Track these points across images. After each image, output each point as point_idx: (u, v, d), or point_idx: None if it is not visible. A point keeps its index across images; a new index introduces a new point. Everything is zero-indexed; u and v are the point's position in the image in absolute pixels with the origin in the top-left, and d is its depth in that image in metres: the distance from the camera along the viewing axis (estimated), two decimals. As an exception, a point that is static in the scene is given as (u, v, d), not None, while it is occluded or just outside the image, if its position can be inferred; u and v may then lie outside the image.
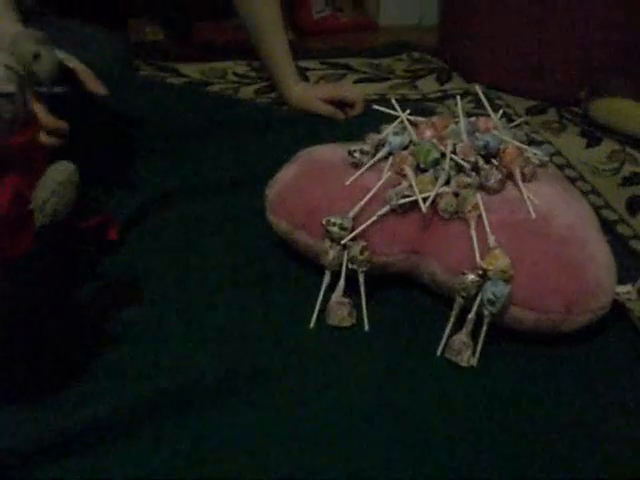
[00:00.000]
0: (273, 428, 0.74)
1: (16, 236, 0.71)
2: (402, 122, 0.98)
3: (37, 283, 0.72)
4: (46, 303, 0.73)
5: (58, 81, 0.96)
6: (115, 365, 0.81)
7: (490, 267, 0.81)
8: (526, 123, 1.46)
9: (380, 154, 0.94)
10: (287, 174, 0.99)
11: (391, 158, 0.93)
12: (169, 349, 0.84)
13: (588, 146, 1.40)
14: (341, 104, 1.42)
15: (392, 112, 0.99)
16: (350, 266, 0.88)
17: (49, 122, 0.97)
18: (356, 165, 0.94)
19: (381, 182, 0.90)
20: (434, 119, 0.97)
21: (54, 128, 0.97)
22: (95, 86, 1.00)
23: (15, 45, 0.91)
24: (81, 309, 0.82)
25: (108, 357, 0.82)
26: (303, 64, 1.74)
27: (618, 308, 0.89)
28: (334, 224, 0.87)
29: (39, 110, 0.96)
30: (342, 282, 0.89)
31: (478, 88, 1.07)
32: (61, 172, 0.73)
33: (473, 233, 0.85)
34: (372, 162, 0.93)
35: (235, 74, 1.69)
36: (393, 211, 0.89)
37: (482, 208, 0.86)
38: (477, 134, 0.93)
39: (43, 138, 0.97)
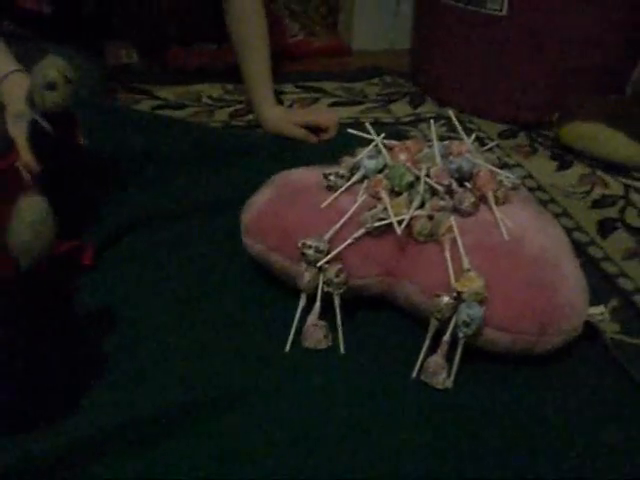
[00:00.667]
0: (247, 450, 0.74)
1: None
2: (377, 146, 0.99)
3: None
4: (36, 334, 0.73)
5: (52, 118, 0.97)
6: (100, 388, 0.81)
7: (464, 289, 0.82)
8: (498, 146, 1.47)
9: (355, 177, 0.95)
10: (262, 197, 0.99)
11: (366, 181, 0.94)
12: (144, 371, 0.83)
13: (559, 169, 1.42)
14: (315, 128, 1.43)
15: (367, 136, 1.00)
16: (326, 289, 0.88)
17: (24, 155, 0.97)
18: (331, 188, 0.94)
19: (356, 205, 0.91)
20: (408, 143, 0.98)
21: (25, 163, 0.97)
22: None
23: (38, 66, 0.92)
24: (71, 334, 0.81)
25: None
26: (277, 87, 1.74)
27: (591, 329, 0.90)
28: (310, 247, 0.88)
29: (18, 139, 0.96)
30: (318, 305, 0.89)
31: (451, 112, 1.09)
32: (37, 210, 0.70)
33: (447, 255, 0.86)
34: (347, 185, 0.94)
35: (210, 97, 1.70)
36: (368, 234, 0.89)
37: (456, 231, 0.87)
38: (450, 158, 0.94)
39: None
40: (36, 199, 0.71)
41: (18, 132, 0.97)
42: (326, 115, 1.47)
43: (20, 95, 1.00)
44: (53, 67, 0.93)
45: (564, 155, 1.46)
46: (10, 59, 1.09)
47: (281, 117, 1.44)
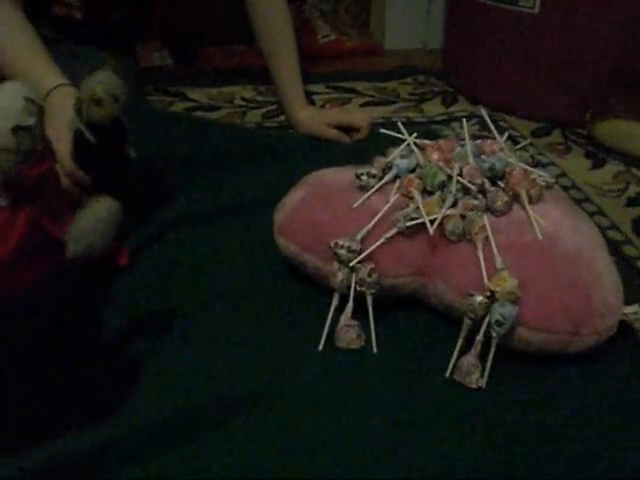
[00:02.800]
0: (283, 449, 0.75)
1: (31, 265, 0.71)
2: (409, 145, 0.99)
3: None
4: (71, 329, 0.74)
5: (98, 130, 0.98)
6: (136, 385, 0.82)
7: (498, 289, 0.81)
8: (531, 145, 1.46)
9: (387, 177, 0.95)
10: (295, 197, 0.99)
11: (398, 181, 0.94)
12: (182, 370, 0.84)
13: (593, 167, 1.41)
14: (347, 128, 1.43)
15: (399, 135, 1.00)
16: (358, 288, 0.89)
17: (68, 166, 0.99)
18: (363, 188, 0.94)
19: (388, 205, 0.91)
20: (440, 142, 0.98)
21: (71, 173, 1.00)
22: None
23: (87, 80, 0.94)
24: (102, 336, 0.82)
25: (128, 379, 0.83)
26: (309, 88, 1.75)
27: (625, 329, 0.89)
28: (342, 247, 0.88)
29: (61, 151, 0.98)
30: (350, 304, 0.89)
31: (483, 111, 1.08)
32: (106, 209, 0.72)
33: (480, 255, 0.86)
34: (379, 185, 0.94)
35: (242, 98, 1.71)
36: (401, 233, 0.89)
37: (489, 230, 0.87)
38: (483, 157, 0.94)
39: (63, 180, 0.98)
40: (109, 199, 0.74)
41: (64, 145, 0.99)
42: (358, 115, 1.47)
43: (66, 109, 1.01)
44: (101, 84, 0.94)
45: (598, 153, 1.45)
46: (57, 72, 1.10)
47: (313, 118, 1.44)
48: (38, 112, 0.69)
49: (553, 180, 0.97)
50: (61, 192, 0.75)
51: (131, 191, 1.05)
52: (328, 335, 0.89)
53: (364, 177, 0.94)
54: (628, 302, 0.88)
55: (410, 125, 1.24)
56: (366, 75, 1.88)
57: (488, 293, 0.82)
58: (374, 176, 0.95)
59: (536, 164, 0.99)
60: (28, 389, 0.72)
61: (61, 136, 0.99)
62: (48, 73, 1.09)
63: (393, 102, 1.72)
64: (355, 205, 0.92)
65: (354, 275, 0.88)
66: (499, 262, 0.84)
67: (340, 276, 0.88)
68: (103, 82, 0.95)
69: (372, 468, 0.73)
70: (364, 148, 1.30)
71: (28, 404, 0.73)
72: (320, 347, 0.88)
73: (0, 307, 0.70)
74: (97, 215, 0.71)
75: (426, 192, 0.92)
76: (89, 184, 1.01)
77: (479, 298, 0.82)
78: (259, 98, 1.71)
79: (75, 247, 0.71)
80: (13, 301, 0.71)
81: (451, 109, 1.68)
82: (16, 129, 0.68)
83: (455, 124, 1.58)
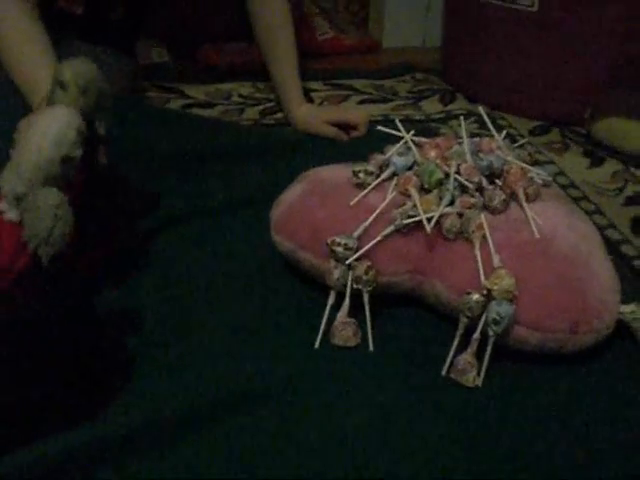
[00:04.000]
0: (277, 447, 0.74)
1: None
2: (406, 143, 0.98)
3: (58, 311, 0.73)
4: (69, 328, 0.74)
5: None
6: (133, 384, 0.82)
7: (495, 287, 0.81)
8: (529, 143, 1.46)
9: (384, 174, 0.94)
10: (292, 194, 0.99)
11: (395, 178, 0.94)
12: (177, 369, 0.84)
13: (591, 166, 1.41)
14: (345, 126, 1.43)
15: (396, 133, 1.00)
16: (355, 286, 0.88)
17: None
18: (361, 185, 0.94)
19: (386, 202, 0.91)
20: (438, 140, 0.97)
21: None
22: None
23: (65, 62, 0.90)
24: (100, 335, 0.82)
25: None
26: (307, 85, 1.75)
27: (622, 328, 0.89)
28: (339, 244, 0.88)
29: None
30: (347, 302, 0.89)
31: (481, 109, 1.08)
32: (52, 196, 0.71)
33: (477, 253, 0.85)
34: (376, 182, 0.94)
35: (240, 95, 1.70)
36: (398, 231, 0.89)
37: (486, 228, 0.87)
38: (481, 155, 0.94)
39: None
40: (48, 188, 0.72)
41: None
42: (356, 113, 1.47)
43: None
44: (71, 69, 0.89)
45: (596, 152, 1.45)
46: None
47: (311, 115, 1.44)
48: (82, 144, 0.69)
49: (551, 178, 0.97)
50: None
51: (101, 195, 1.03)
52: (324, 333, 0.89)
53: (361, 174, 0.94)
54: (625, 301, 0.88)
55: (408, 123, 1.24)
56: (364, 72, 1.88)
57: (485, 291, 0.82)
58: (371, 173, 0.94)
59: (534, 162, 0.99)
60: (23, 388, 0.72)
61: None
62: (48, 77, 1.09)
63: (391, 100, 1.71)
64: (352, 202, 0.92)
65: (351, 273, 0.88)
66: (496, 260, 0.84)
67: (337, 274, 0.88)
68: (75, 68, 0.89)
69: (368, 466, 0.73)
70: (361, 145, 1.30)
71: (23, 403, 0.72)
72: (316, 345, 0.88)
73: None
74: (52, 205, 0.70)
75: (423, 190, 0.92)
76: None
77: (476, 296, 0.82)
78: (257, 95, 1.71)
79: (47, 246, 0.70)
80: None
81: (449, 107, 1.68)
82: (65, 159, 0.68)
83: (453, 122, 1.57)
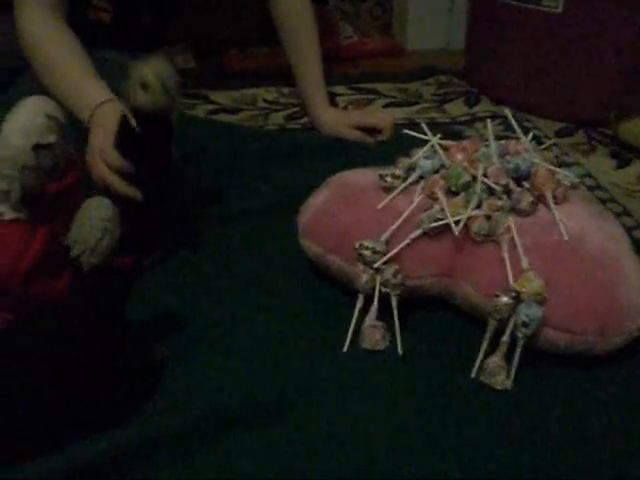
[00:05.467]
0: (309, 449, 0.75)
1: (51, 281, 0.72)
2: (433, 146, 0.99)
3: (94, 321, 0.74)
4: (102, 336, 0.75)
5: (144, 120, 0.97)
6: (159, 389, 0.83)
7: (523, 289, 0.81)
8: (555, 145, 1.46)
9: (411, 178, 0.95)
10: (319, 199, 1.00)
11: (422, 182, 0.94)
12: (205, 372, 0.85)
13: (618, 167, 1.40)
14: (371, 130, 1.43)
15: (423, 136, 1.00)
16: (383, 289, 0.89)
17: (109, 154, 0.99)
18: (387, 189, 0.94)
19: (413, 206, 0.91)
20: (464, 143, 0.97)
21: (117, 166, 0.99)
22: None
23: (141, 63, 0.92)
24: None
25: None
26: (331, 89, 1.75)
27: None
28: (367, 248, 0.88)
29: (105, 142, 0.99)
30: (375, 305, 0.89)
31: (507, 111, 1.08)
32: (105, 208, 0.72)
33: (506, 255, 0.85)
34: (403, 186, 0.94)
35: (265, 100, 1.71)
36: (425, 234, 0.89)
37: (514, 231, 0.86)
38: (507, 157, 0.94)
39: (117, 184, 0.99)
40: (99, 198, 0.73)
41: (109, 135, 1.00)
42: (381, 116, 1.47)
43: (112, 120, 1.01)
44: (151, 68, 0.92)
45: (623, 153, 1.44)
46: (102, 87, 1.10)
47: (337, 119, 1.45)
48: (59, 129, 0.69)
49: (578, 180, 0.97)
50: (79, 201, 0.75)
51: (170, 190, 1.05)
52: (353, 336, 0.89)
53: (388, 178, 0.94)
54: (655, 302, 0.87)
55: (433, 126, 1.24)
56: (388, 76, 1.88)
57: (514, 294, 0.82)
58: (398, 177, 0.95)
59: (561, 164, 0.99)
60: (50, 393, 0.73)
61: (108, 132, 0.99)
62: (94, 89, 1.09)
63: (416, 103, 1.71)
64: (379, 206, 0.92)
65: (379, 276, 0.89)
66: (525, 263, 0.84)
67: (365, 277, 0.88)
68: (155, 68, 0.92)
69: (396, 469, 0.73)
70: (388, 149, 1.30)
71: (49, 408, 0.73)
72: (345, 348, 0.89)
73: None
74: (103, 218, 0.71)
75: (450, 193, 0.92)
76: (131, 175, 1.00)
77: (504, 299, 0.82)
78: (282, 100, 1.71)
79: (91, 256, 0.71)
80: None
81: (474, 109, 1.68)
82: (37, 147, 0.68)
83: (479, 124, 1.57)
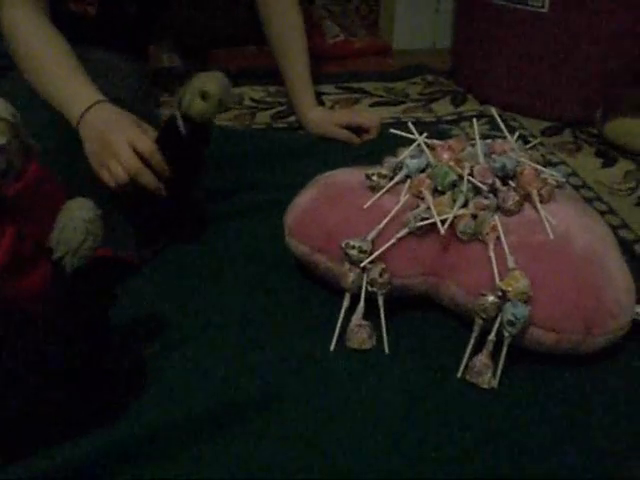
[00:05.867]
0: (296, 449, 0.75)
1: (20, 281, 0.72)
2: (419, 145, 0.99)
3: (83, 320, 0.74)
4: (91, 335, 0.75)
5: (190, 125, 1.01)
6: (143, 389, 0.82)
7: (510, 288, 0.81)
8: (541, 144, 1.46)
9: (398, 177, 0.95)
10: (305, 198, 1.00)
11: (409, 181, 0.94)
12: (192, 371, 0.85)
13: (604, 166, 1.40)
14: (357, 129, 1.43)
15: (409, 135, 1.00)
16: (369, 289, 0.89)
17: (151, 152, 1.00)
18: (374, 188, 0.94)
19: (399, 205, 0.91)
20: (450, 142, 0.97)
21: (158, 166, 1.00)
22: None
23: (204, 73, 1.00)
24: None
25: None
26: (318, 89, 1.75)
27: (638, 328, 0.89)
28: (353, 247, 0.88)
29: (148, 144, 1.00)
30: (362, 304, 0.90)
31: (493, 110, 1.08)
32: (87, 210, 0.71)
33: (492, 254, 0.85)
34: (390, 185, 0.94)
35: (252, 99, 1.71)
36: (412, 233, 0.89)
37: (500, 229, 0.87)
38: (494, 156, 0.94)
39: (148, 179, 0.99)
40: (86, 200, 0.72)
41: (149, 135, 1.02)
42: (368, 116, 1.47)
43: (117, 117, 1.03)
44: (216, 82, 0.99)
45: (609, 152, 1.45)
46: (93, 88, 1.08)
47: (323, 118, 1.45)
48: (10, 130, 0.68)
49: (564, 179, 0.97)
50: (50, 196, 0.74)
51: (196, 196, 1.11)
52: (339, 336, 0.89)
53: (375, 177, 0.94)
54: (640, 301, 0.88)
55: (419, 125, 1.24)
56: (375, 75, 1.88)
57: (500, 293, 0.82)
58: (384, 176, 0.95)
59: (547, 163, 0.99)
60: (34, 393, 0.72)
61: (142, 132, 1.01)
62: (85, 89, 1.09)
63: (402, 102, 1.71)
64: (366, 205, 0.92)
65: (365, 275, 0.89)
66: (511, 262, 0.84)
67: (351, 276, 0.89)
68: (218, 81, 0.99)
69: (382, 469, 0.73)
70: (374, 148, 1.30)
71: (34, 408, 0.73)
72: (331, 347, 0.89)
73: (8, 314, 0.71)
74: (85, 219, 0.70)
75: (437, 192, 0.92)
76: (169, 176, 1.02)
77: (491, 298, 0.82)
78: (268, 99, 1.71)
79: (75, 258, 0.71)
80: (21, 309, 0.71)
81: (460, 109, 1.68)
82: None
83: (465, 124, 1.57)
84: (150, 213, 1.03)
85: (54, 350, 0.72)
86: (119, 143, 0.99)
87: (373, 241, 0.89)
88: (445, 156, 0.94)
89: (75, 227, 0.70)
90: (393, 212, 0.90)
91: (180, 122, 1.01)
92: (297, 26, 1.47)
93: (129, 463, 0.73)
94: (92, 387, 0.76)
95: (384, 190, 0.94)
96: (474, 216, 0.89)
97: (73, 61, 1.11)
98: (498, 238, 0.87)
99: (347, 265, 0.89)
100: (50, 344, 0.72)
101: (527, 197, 0.91)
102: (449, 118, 1.62)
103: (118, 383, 0.80)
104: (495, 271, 0.84)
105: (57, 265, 0.71)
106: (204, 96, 0.98)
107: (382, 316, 0.89)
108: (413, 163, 0.95)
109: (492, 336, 0.83)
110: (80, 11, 1.30)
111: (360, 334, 0.89)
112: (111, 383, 0.79)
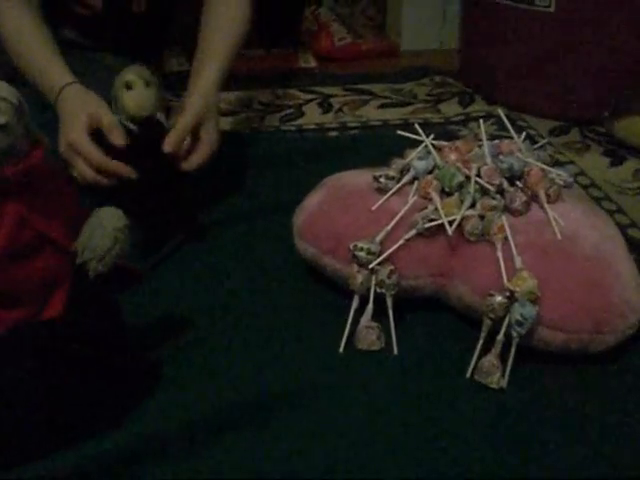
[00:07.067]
0: (305, 450, 0.75)
1: (26, 263, 0.72)
2: (426, 147, 0.99)
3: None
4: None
5: (136, 120, 1.02)
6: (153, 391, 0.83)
7: (517, 288, 0.81)
8: (549, 144, 1.46)
9: (405, 179, 0.95)
10: (313, 200, 1.00)
11: (416, 182, 0.94)
12: (201, 373, 0.85)
13: (612, 165, 1.40)
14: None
15: (416, 137, 1.00)
16: (378, 290, 0.89)
17: (101, 162, 1.00)
18: (382, 190, 0.95)
19: (407, 206, 0.91)
20: (458, 143, 0.98)
21: (95, 159, 1.00)
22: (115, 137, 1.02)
23: (120, 73, 1.01)
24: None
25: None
26: (326, 91, 1.76)
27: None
28: (361, 249, 0.88)
29: (90, 148, 1.00)
30: (370, 306, 0.90)
31: (500, 110, 1.08)
32: (117, 218, 0.73)
33: (500, 255, 0.86)
34: (397, 187, 0.94)
35: (260, 102, 1.71)
36: (420, 235, 0.89)
37: (508, 230, 0.87)
38: (501, 157, 0.94)
39: (88, 173, 1.00)
40: (112, 209, 0.73)
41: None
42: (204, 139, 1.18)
43: (81, 102, 1.04)
44: (131, 70, 1.00)
45: (617, 151, 1.44)
46: (66, 71, 1.10)
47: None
48: (14, 110, 0.69)
49: (572, 179, 0.97)
50: (56, 190, 0.75)
51: (180, 191, 1.10)
52: (348, 337, 0.89)
53: (382, 179, 0.95)
54: (649, 300, 0.88)
55: (427, 126, 1.24)
56: (382, 77, 1.88)
57: (508, 293, 0.82)
58: (392, 178, 0.95)
59: (554, 163, 0.99)
60: (44, 396, 0.73)
61: (99, 115, 1.02)
62: (57, 72, 1.10)
63: (410, 103, 1.72)
64: (374, 207, 0.93)
65: (374, 277, 0.89)
66: (518, 262, 0.84)
67: (360, 278, 0.89)
68: (132, 69, 1.01)
69: (392, 469, 0.73)
70: (382, 150, 1.30)
71: (45, 411, 0.73)
72: (341, 349, 0.89)
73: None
74: (114, 227, 0.71)
75: (444, 193, 0.92)
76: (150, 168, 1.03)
77: (499, 298, 0.82)
78: (277, 102, 1.72)
79: (100, 264, 0.71)
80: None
81: (468, 109, 1.68)
82: None
83: (472, 124, 1.57)
84: (148, 212, 1.03)
85: (71, 351, 0.73)
86: (67, 142, 1.01)
87: (381, 243, 0.89)
88: (452, 157, 0.95)
89: (103, 234, 0.71)
90: (401, 214, 0.90)
91: (126, 123, 1.02)
92: (232, 17, 1.32)
93: (139, 464, 0.73)
94: (102, 389, 0.77)
95: (392, 192, 0.94)
96: (482, 217, 0.89)
97: (51, 45, 1.13)
98: (506, 238, 0.87)
99: (355, 267, 0.89)
100: (67, 345, 0.73)
101: (535, 197, 0.91)
102: (457, 119, 1.62)
103: (128, 385, 0.81)
104: (503, 271, 0.84)
105: (80, 269, 0.72)
106: (128, 86, 1.00)
107: (391, 317, 0.89)
108: (420, 164, 0.95)
109: (500, 336, 0.83)
110: (87, 14, 1.30)
111: (369, 335, 0.89)
112: (121, 385, 0.79)
